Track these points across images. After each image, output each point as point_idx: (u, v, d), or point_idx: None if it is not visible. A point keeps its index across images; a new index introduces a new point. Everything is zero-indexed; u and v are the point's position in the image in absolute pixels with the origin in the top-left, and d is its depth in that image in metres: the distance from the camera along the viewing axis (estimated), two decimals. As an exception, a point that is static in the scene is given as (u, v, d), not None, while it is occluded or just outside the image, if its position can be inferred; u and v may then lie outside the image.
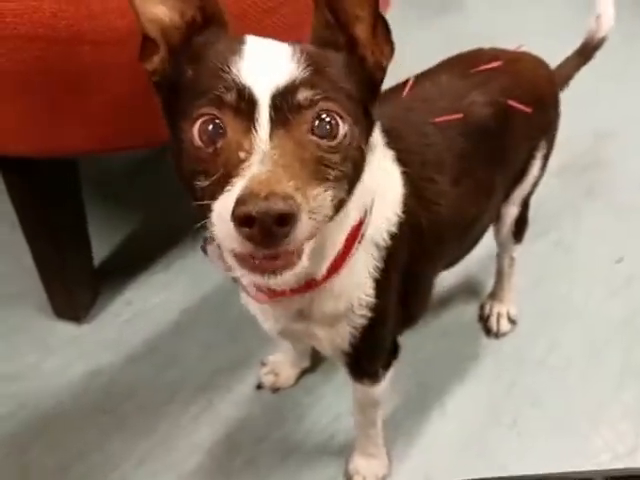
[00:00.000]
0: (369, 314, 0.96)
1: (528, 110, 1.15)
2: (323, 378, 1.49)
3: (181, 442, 1.37)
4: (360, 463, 1.30)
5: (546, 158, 1.31)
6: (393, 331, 1.10)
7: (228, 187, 0.65)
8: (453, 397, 1.46)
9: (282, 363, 1.47)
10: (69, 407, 1.43)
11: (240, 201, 0.61)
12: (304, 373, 1.49)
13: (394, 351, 1.14)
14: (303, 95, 0.69)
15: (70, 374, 1.48)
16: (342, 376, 1.45)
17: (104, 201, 1.80)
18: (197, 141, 0.70)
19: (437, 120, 1.05)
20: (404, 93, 1.09)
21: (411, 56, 1.25)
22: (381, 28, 0.77)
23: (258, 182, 0.62)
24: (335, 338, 1.00)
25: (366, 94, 0.78)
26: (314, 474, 1.32)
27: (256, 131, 0.67)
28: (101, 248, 1.71)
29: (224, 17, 0.77)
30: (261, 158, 0.65)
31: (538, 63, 1.28)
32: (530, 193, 1.37)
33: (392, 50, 0.79)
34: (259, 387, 1.47)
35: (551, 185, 1.85)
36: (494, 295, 1.64)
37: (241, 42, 0.74)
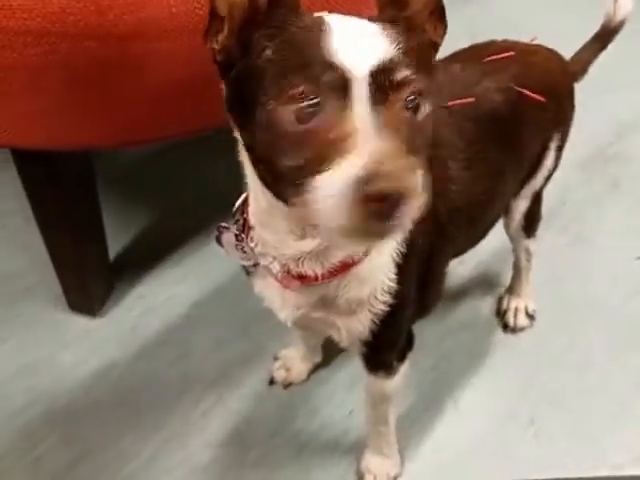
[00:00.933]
0: (391, 300, 0.95)
1: (540, 99, 1.14)
2: (335, 373, 1.48)
3: (193, 437, 1.37)
4: (372, 461, 1.29)
5: (559, 151, 1.29)
6: (411, 319, 1.09)
7: (336, 162, 0.64)
8: (468, 394, 1.44)
9: (294, 358, 1.46)
10: (82, 401, 1.43)
11: (371, 178, 0.61)
12: (316, 368, 1.48)
13: (409, 342, 1.14)
14: (402, 74, 0.69)
15: (83, 368, 1.49)
16: (355, 371, 1.45)
17: (118, 196, 1.80)
18: (290, 119, 0.68)
19: (449, 104, 1.05)
20: None
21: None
22: (437, 7, 0.79)
23: (382, 157, 0.62)
24: (355, 326, 0.99)
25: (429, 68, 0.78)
26: (326, 471, 1.31)
27: (355, 109, 0.67)
28: (114, 243, 1.71)
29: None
30: (373, 134, 0.65)
31: (551, 55, 1.26)
32: (542, 187, 1.35)
33: (445, 29, 0.80)
34: (271, 382, 1.46)
35: (574, 178, 1.83)
36: (512, 289, 1.61)
37: (320, 19, 0.73)
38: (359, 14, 0.76)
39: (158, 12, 0.96)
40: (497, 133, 1.11)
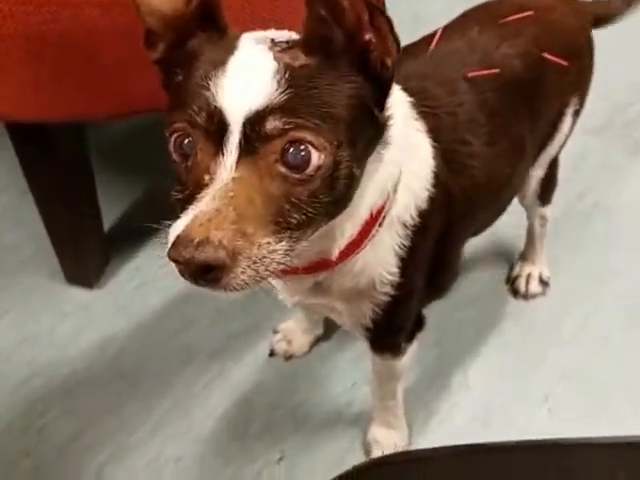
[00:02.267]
0: (392, 292, 0.93)
1: (563, 63, 1.09)
2: (338, 346, 1.48)
3: (195, 408, 1.37)
4: (379, 433, 1.28)
5: (576, 115, 1.23)
6: (418, 306, 1.07)
7: (185, 211, 0.64)
8: (477, 369, 1.43)
9: (295, 330, 1.46)
10: (84, 372, 1.43)
11: (174, 242, 0.62)
12: (318, 340, 1.48)
13: (418, 324, 1.12)
14: (272, 124, 0.65)
15: (84, 340, 1.48)
16: (358, 344, 1.46)
17: (111, 169, 1.77)
18: (174, 154, 0.69)
19: (471, 75, 1.00)
20: (432, 46, 1.03)
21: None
22: (382, 24, 0.69)
23: (198, 224, 0.62)
24: (356, 313, 0.98)
25: (371, 97, 0.72)
26: (330, 443, 1.31)
27: (223, 157, 0.65)
28: (109, 215, 1.69)
29: (221, 16, 0.73)
30: (215, 192, 0.64)
31: (571, 10, 1.19)
32: (558, 153, 1.31)
33: (398, 47, 0.71)
34: (271, 354, 1.46)
35: (591, 143, 1.75)
36: (525, 256, 1.57)
37: (231, 50, 0.69)
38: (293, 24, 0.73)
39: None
40: (518, 102, 1.06)
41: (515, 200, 1.27)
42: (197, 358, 1.46)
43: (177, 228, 0.63)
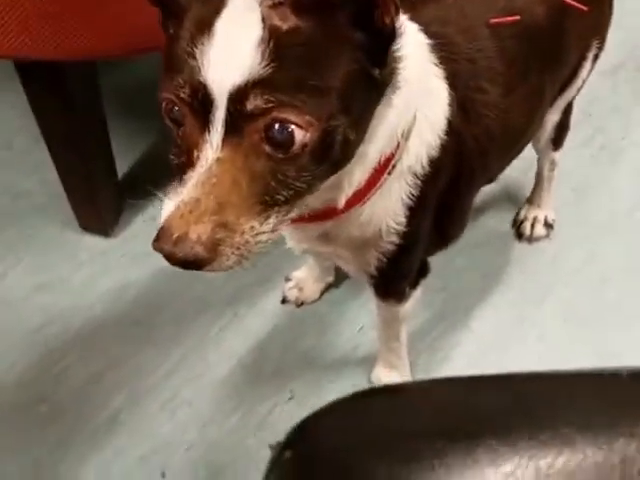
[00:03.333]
0: (398, 241, 0.92)
1: (584, 9, 1.04)
2: (347, 293, 1.50)
3: (210, 352, 1.41)
4: (382, 373, 1.33)
5: (596, 59, 1.21)
6: (424, 254, 1.07)
7: (174, 188, 0.64)
8: (480, 311, 1.46)
9: (306, 278, 1.48)
10: (100, 319, 1.46)
11: (157, 234, 0.63)
12: (328, 288, 1.50)
13: (422, 271, 1.12)
14: (253, 103, 0.62)
15: (100, 287, 1.51)
16: (367, 291, 1.47)
17: (124, 116, 1.76)
18: (165, 117, 0.67)
19: (492, 22, 0.96)
20: None
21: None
22: None
23: (178, 216, 0.62)
24: (361, 260, 0.98)
25: (370, 55, 0.68)
26: (337, 382, 1.35)
27: (209, 134, 0.63)
28: (122, 164, 1.69)
29: None
30: (198, 179, 0.63)
31: None
32: (574, 97, 1.29)
33: (397, 7, 0.66)
34: (284, 301, 1.49)
35: (601, 85, 1.71)
36: (532, 200, 1.57)
37: (220, 4, 0.64)
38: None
39: None
40: (539, 50, 1.03)
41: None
42: (212, 305, 1.49)
43: (163, 214, 0.64)
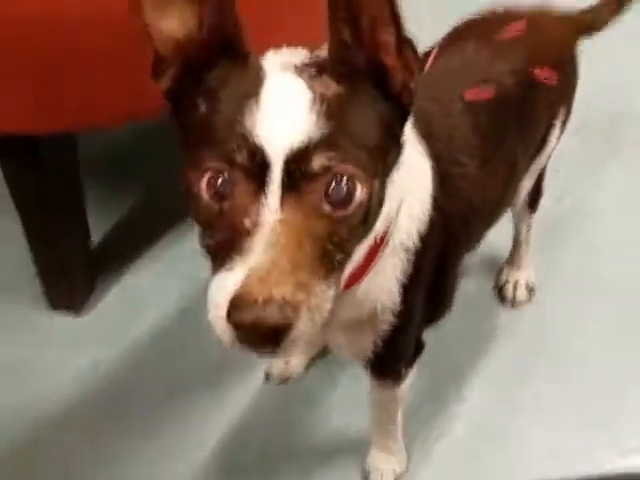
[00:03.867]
0: (394, 320, 0.90)
1: (554, 80, 1.10)
2: (335, 366, 1.42)
3: (188, 439, 1.31)
4: (378, 458, 1.24)
5: (564, 124, 1.25)
6: (418, 331, 1.05)
7: (228, 263, 0.60)
8: (471, 378, 1.40)
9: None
10: (70, 403, 1.36)
11: (236, 304, 0.58)
12: (315, 361, 1.42)
13: (418, 349, 1.09)
14: (318, 162, 0.61)
15: (69, 368, 1.41)
16: (356, 365, 1.40)
17: (100, 185, 1.72)
18: (205, 195, 0.63)
19: (466, 97, 1.00)
20: (428, 65, 1.03)
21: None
22: (407, 49, 0.68)
23: (256, 281, 0.57)
24: (356, 344, 0.95)
25: (394, 120, 0.70)
26: (328, 469, 1.26)
27: (266, 197, 0.61)
28: (97, 233, 1.63)
29: (243, 42, 0.68)
30: (266, 241, 0.59)
31: (560, 20, 1.21)
32: (546, 163, 1.32)
33: (420, 70, 0.72)
34: (267, 377, 1.41)
35: (569, 143, 1.71)
36: (511, 262, 1.57)
37: (259, 79, 0.65)
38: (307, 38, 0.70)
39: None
40: (511, 121, 1.06)
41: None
42: (189, 383, 1.40)
43: (227, 286, 0.59)
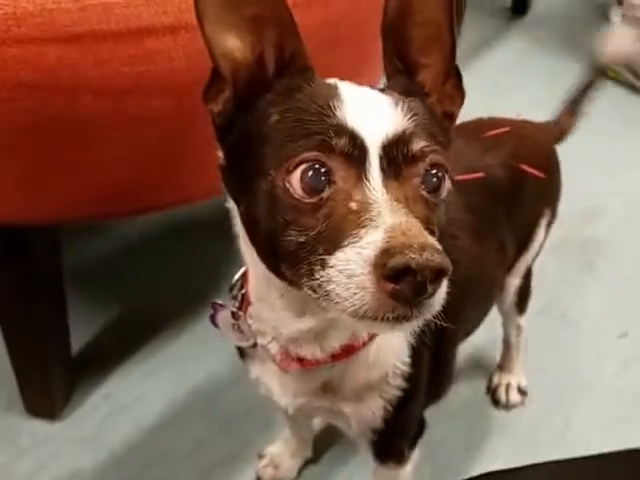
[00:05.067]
0: (404, 384, 0.88)
1: (541, 175, 1.15)
2: (327, 470, 1.36)
3: None
4: None
5: (549, 226, 1.30)
6: (422, 408, 1.03)
7: (350, 240, 0.58)
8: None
9: (282, 454, 1.34)
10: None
11: (391, 252, 0.55)
12: (306, 464, 1.36)
13: (420, 428, 1.06)
14: (418, 146, 0.64)
15: (44, 476, 1.32)
16: (349, 465, 1.35)
17: (81, 290, 1.69)
18: (297, 190, 0.62)
19: (458, 178, 1.02)
20: None
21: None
22: (452, 73, 0.74)
23: (402, 233, 0.56)
24: (365, 413, 0.91)
25: (444, 140, 0.73)
26: None
27: (369, 181, 0.62)
28: (77, 338, 1.57)
29: (306, 59, 0.70)
30: (388, 209, 0.59)
31: (541, 128, 1.30)
32: (532, 263, 1.35)
33: (463, 98, 0.75)
34: (258, 482, 1.33)
35: (549, 262, 1.81)
36: (502, 366, 1.58)
37: (334, 86, 0.68)
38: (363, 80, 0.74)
39: (159, 66, 0.93)
40: (499, 207, 1.11)
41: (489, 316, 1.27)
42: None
43: (365, 250, 0.57)
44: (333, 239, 0.59)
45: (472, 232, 1.03)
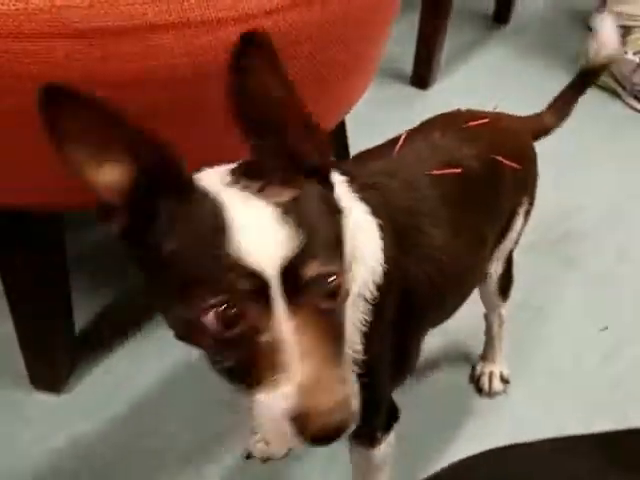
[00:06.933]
0: (359, 371, 0.90)
1: (517, 166, 1.18)
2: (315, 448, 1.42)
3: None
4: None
5: (527, 215, 1.33)
6: (388, 390, 1.07)
7: (268, 382, 0.64)
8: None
9: (273, 431, 1.40)
10: (49, 478, 1.34)
11: (300, 415, 0.62)
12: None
13: (392, 413, 1.10)
14: (310, 271, 0.66)
15: (49, 445, 1.39)
16: (337, 444, 1.40)
17: (84, 274, 1.75)
18: (212, 327, 0.65)
19: (435, 172, 1.07)
20: (397, 148, 1.10)
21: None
22: (315, 135, 0.72)
23: (310, 394, 0.62)
24: None
25: (330, 197, 0.76)
26: None
27: (274, 312, 0.65)
28: (80, 315, 1.64)
29: (185, 173, 0.69)
30: (296, 352, 0.64)
31: (516, 121, 1.33)
32: (513, 249, 1.39)
33: (330, 149, 0.75)
34: (248, 457, 1.39)
35: (527, 257, 1.88)
36: (485, 356, 1.63)
37: (214, 204, 0.67)
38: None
39: (162, 62, 0.99)
40: (477, 198, 1.13)
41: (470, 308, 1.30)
42: (168, 464, 1.38)
43: (280, 403, 0.63)
44: (255, 374, 0.65)
45: (448, 225, 1.05)
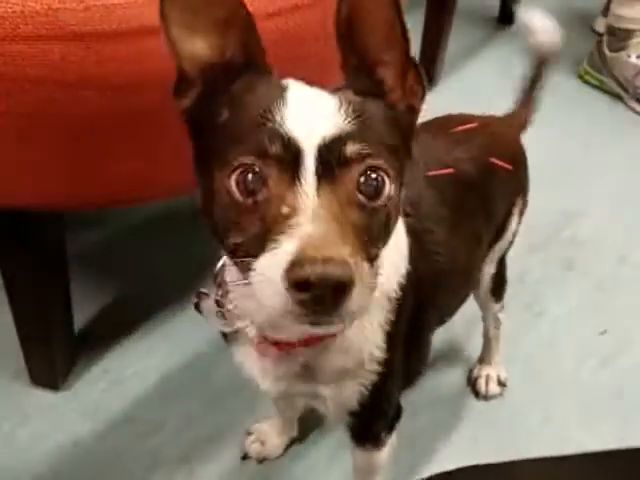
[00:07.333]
0: (379, 369, 0.91)
1: (509, 167, 1.19)
2: (313, 446, 1.43)
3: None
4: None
5: (521, 215, 1.34)
6: (398, 393, 1.07)
7: (272, 245, 0.61)
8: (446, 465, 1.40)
9: (269, 432, 1.41)
10: (47, 477, 1.34)
11: (296, 263, 0.58)
12: (293, 442, 1.43)
13: (397, 412, 1.10)
14: (352, 149, 0.65)
15: (46, 443, 1.40)
16: (333, 444, 1.41)
17: (85, 269, 1.77)
18: (234, 192, 0.65)
19: (430, 174, 1.07)
20: None
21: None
22: (412, 72, 0.75)
23: (313, 244, 0.59)
24: (342, 397, 0.95)
25: (401, 139, 0.75)
26: None
27: (301, 185, 0.63)
28: (79, 314, 1.64)
29: (265, 60, 0.73)
30: (311, 216, 0.61)
31: (505, 122, 1.34)
32: (506, 251, 1.40)
33: (424, 91, 0.76)
34: (244, 457, 1.40)
35: (531, 260, 1.90)
36: (483, 359, 1.63)
37: (283, 88, 0.70)
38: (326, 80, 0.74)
39: (157, 65, 0.99)
40: (472, 200, 1.14)
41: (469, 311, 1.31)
42: (165, 462, 1.39)
43: (280, 257, 0.59)
44: (262, 242, 0.62)
45: (447, 224, 1.05)
